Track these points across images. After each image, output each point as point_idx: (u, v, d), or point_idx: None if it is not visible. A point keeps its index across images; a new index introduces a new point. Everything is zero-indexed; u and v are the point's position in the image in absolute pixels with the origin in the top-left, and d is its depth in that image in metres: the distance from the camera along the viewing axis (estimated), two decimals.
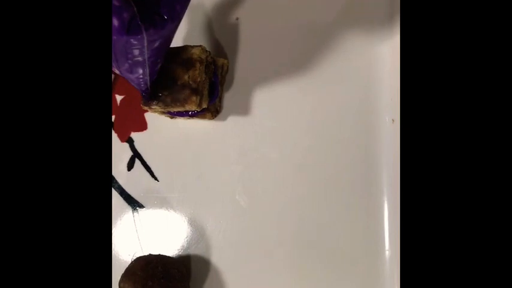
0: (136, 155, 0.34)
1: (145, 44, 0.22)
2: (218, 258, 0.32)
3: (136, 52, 0.23)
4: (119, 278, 0.29)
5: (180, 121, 0.33)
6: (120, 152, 0.34)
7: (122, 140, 0.35)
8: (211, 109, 0.32)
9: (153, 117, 0.34)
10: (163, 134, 0.34)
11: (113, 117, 0.35)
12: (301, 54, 0.32)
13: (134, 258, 0.32)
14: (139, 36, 0.21)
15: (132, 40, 0.21)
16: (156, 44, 0.23)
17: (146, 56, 0.24)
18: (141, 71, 0.25)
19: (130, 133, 0.35)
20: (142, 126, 0.34)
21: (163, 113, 0.31)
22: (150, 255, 0.31)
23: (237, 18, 0.33)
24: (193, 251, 0.32)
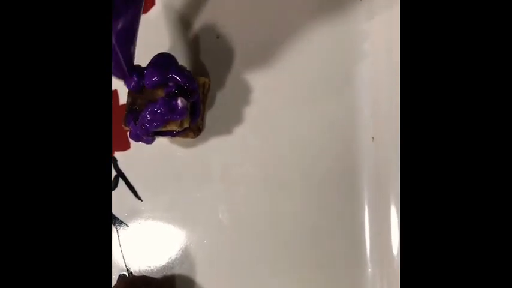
0: (119, 174, 0.34)
1: None
2: (203, 278, 0.31)
3: None
4: None
5: (163, 140, 0.33)
6: None
7: None
8: (194, 128, 0.32)
9: None
10: (146, 153, 0.34)
11: None
12: (282, 72, 0.32)
13: (118, 278, 0.32)
14: None
15: None
16: (119, 25, 0.23)
17: (113, 41, 0.24)
18: (114, 60, 0.25)
19: (113, 152, 0.35)
20: (125, 145, 0.34)
21: None
22: (133, 276, 0.31)
23: (218, 37, 0.34)
24: (177, 271, 0.32)
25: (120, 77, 0.28)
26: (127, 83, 0.28)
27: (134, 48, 0.27)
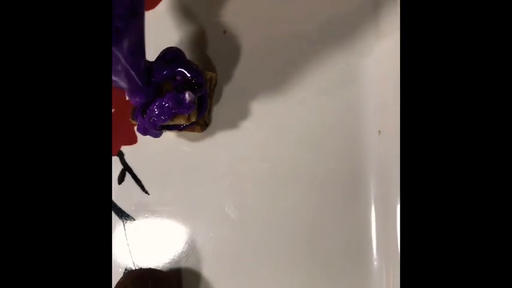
0: (126, 168, 0.34)
1: (114, 51, 0.22)
2: (209, 272, 0.32)
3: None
4: None
5: (170, 134, 0.33)
6: None
7: (113, 154, 0.35)
8: (201, 122, 0.32)
9: None
10: (153, 147, 0.34)
11: None
12: (289, 67, 0.32)
13: (125, 272, 0.32)
14: None
15: None
16: (125, 44, 0.23)
17: (123, 61, 0.23)
18: (128, 78, 0.25)
19: (120, 147, 0.35)
20: (132, 139, 0.35)
21: None
22: (140, 269, 0.31)
23: (225, 32, 0.34)
24: (184, 264, 0.32)
25: (136, 91, 0.27)
26: (141, 95, 0.28)
27: (145, 60, 0.26)
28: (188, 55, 0.31)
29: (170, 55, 0.29)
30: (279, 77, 0.32)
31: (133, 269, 0.33)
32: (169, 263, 0.32)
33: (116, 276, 0.32)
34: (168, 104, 0.28)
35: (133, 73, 0.25)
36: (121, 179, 0.34)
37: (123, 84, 0.26)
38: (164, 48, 0.30)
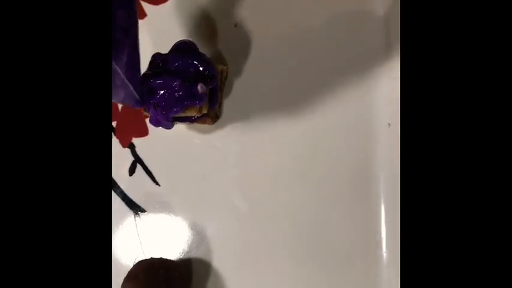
0: (137, 160, 0.35)
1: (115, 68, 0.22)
2: (219, 262, 0.32)
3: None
4: (120, 281, 0.30)
5: (181, 127, 0.34)
6: (121, 157, 0.35)
7: (124, 146, 0.35)
8: (211, 114, 0.32)
9: None
10: (164, 139, 0.34)
11: (115, 123, 0.35)
12: (300, 61, 0.33)
13: (136, 262, 0.33)
14: None
15: None
16: (125, 58, 0.23)
17: (122, 76, 0.24)
18: (125, 92, 0.25)
19: (131, 139, 0.35)
20: (143, 131, 0.35)
21: None
22: (152, 258, 0.32)
23: (236, 25, 0.34)
24: (194, 255, 0.33)
25: (135, 105, 0.27)
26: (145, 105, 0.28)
27: (140, 72, 0.26)
28: (200, 48, 0.31)
29: (184, 46, 0.30)
30: (289, 70, 0.33)
31: (145, 258, 0.33)
32: (179, 253, 0.33)
33: (126, 266, 0.32)
34: (180, 95, 0.28)
35: (131, 87, 0.25)
36: (132, 171, 0.35)
37: (117, 99, 0.26)
38: (177, 40, 0.30)
